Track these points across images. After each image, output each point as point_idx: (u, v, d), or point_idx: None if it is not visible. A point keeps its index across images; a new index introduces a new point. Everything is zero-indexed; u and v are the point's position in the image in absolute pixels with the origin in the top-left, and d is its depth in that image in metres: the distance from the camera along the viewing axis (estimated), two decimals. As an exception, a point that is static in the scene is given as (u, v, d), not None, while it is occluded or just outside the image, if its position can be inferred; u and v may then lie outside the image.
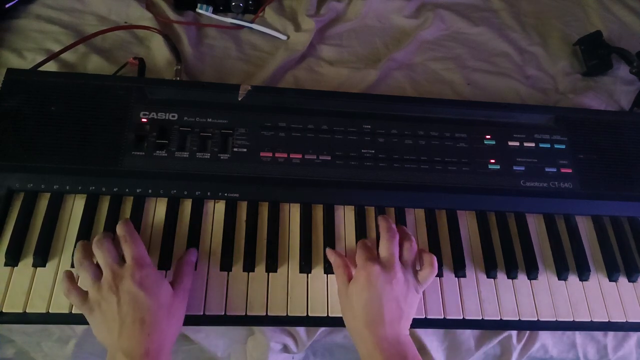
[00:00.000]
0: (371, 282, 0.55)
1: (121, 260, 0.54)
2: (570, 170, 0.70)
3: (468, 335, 0.68)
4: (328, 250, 0.61)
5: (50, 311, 0.55)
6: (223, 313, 0.58)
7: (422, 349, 0.67)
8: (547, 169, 0.70)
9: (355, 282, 0.56)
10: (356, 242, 0.63)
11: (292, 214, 0.65)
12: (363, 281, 0.55)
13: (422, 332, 0.66)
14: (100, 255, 0.53)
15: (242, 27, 0.88)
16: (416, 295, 0.57)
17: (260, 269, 0.61)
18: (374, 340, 0.53)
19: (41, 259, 0.57)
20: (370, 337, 0.53)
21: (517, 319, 0.62)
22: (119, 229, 0.56)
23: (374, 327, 0.53)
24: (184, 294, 0.55)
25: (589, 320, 0.63)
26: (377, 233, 0.65)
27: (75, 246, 0.58)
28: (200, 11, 0.87)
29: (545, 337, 0.68)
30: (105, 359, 0.50)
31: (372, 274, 0.55)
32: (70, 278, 0.54)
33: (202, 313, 0.58)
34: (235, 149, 0.65)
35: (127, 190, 0.62)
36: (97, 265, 0.53)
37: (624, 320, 0.64)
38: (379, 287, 0.54)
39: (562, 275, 0.65)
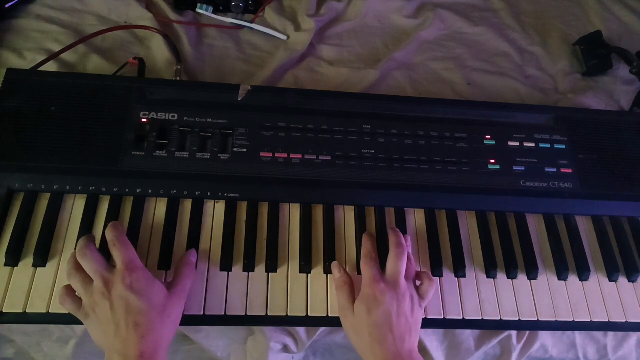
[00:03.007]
0: (378, 300, 0.55)
1: (110, 265, 0.54)
2: (570, 170, 0.70)
3: (468, 335, 0.68)
4: (334, 265, 0.61)
5: (50, 311, 0.55)
6: (223, 313, 0.58)
7: (422, 349, 0.67)
8: (547, 169, 0.70)
9: (363, 301, 0.56)
10: (356, 242, 0.63)
11: (292, 214, 0.65)
12: (371, 299, 0.55)
13: (422, 332, 0.66)
14: (86, 264, 0.53)
15: (242, 27, 0.88)
16: (420, 310, 0.58)
17: (260, 269, 0.61)
18: (387, 357, 0.53)
19: (41, 259, 0.57)
20: (383, 354, 0.53)
21: (517, 319, 0.62)
22: (108, 234, 0.56)
23: (386, 343, 0.53)
24: (180, 295, 0.55)
25: (589, 320, 0.63)
26: (376, 232, 0.65)
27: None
28: (200, 11, 0.87)
29: (545, 337, 0.68)
30: (104, 359, 0.51)
31: (379, 291, 0.55)
32: (68, 287, 0.54)
33: (202, 313, 0.57)
34: (235, 149, 0.65)
35: (127, 190, 0.62)
36: (87, 273, 0.53)
37: (624, 320, 0.64)
38: (387, 303, 0.55)
39: (562, 275, 0.65)
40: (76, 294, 0.54)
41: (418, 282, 0.60)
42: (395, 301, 0.55)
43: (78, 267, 0.54)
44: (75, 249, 0.58)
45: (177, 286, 0.55)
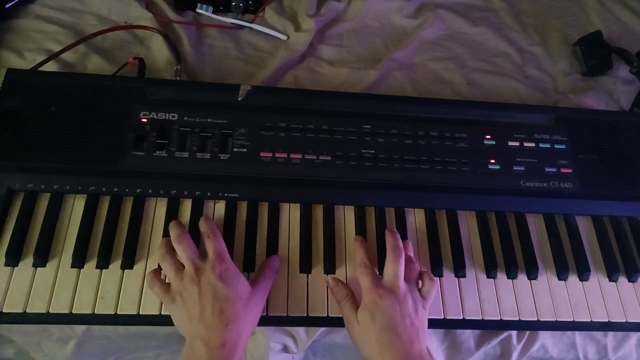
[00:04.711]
0: (379, 305, 0.55)
1: (201, 255, 0.56)
2: (570, 170, 0.70)
3: (468, 335, 0.68)
4: (330, 279, 0.60)
5: (50, 311, 0.55)
6: (223, 313, 0.58)
7: (422, 349, 0.67)
8: (547, 169, 0.70)
9: (365, 308, 0.55)
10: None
11: (292, 214, 0.65)
12: (372, 305, 0.55)
13: (422, 332, 0.66)
14: (182, 250, 0.56)
15: (242, 27, 0.88)
16: (424, 311, 0.58)
17: (260, 269, 0.61)
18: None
19: (41, 259, 0.57)
20: (393, 358, 0.52)
21: (517, 319, 0.62)
22: (203, 226, 0.59)
23: (395, 348, 0.53)
24: (262, 294, 0.57)
25: (589, 320, 0.63)
26: (376, 232, 0.65)
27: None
28: (200, 11, 0.87)
29: (545, 337, 0.68)
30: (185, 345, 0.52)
31: (378, 296, 0.55)
32: (155, 271, 0.56)
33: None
34: (235, 149, 0.65)
35: (127, 190, 0.62)
36: (178, 260, 0.56)
37: (624, 320, 0.64)
38: (389, 307, 0.54)
39: (562, 275, 0.65)
40: (162, 277, 0.56)
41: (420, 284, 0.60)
42: (397, 304, 0.55)
43: (171, 252, 0.56)
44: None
45: (259, 285, 0.57)
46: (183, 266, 0.55)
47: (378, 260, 0.63)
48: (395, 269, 0.58)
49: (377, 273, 0.60)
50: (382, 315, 0.54)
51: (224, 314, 0.51)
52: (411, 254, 0.62)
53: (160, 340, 0.65)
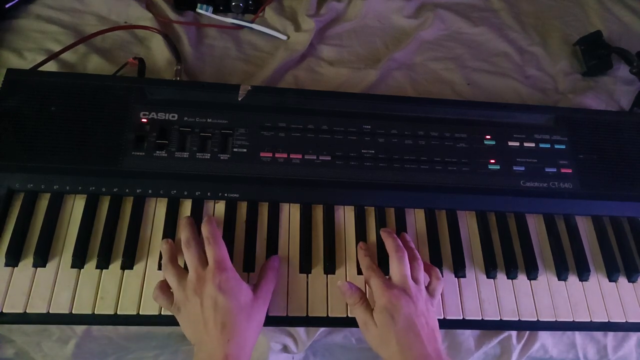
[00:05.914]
0: (395, 306, 0.54)
1: (205, 262, 0.56)
2: (570, 170, 0.70)
3: (468, 335, 0.68)
4: (341, 284, 0.59)
5: (50, 311, 0.55)
6: (223, 313, 0.58)
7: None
8: (547, 169, 0.70)
9: (381, 311, 0.55)
10: (356, 243, 0.63)
11: (292, 214, 0.65)
12: (388, 306, 0.55)
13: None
14: (189, 257, 0.56)
15: (242, 27, 0.88)
16: (433, 309, 0.58)
17: (260, 269, 0.61)
18: None
19: (41, 259, 0.57)
20: (416, 358, 0.52)
21: (517, 319, 0.62)
22: (204, 230, 0.58)
23: (415, 348, 0.53)
24: (264, 298, 0.56)
25: (589, 320, 0.63)
26: (376, 232, 0.65)
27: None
28: (200, 11, 0.87)
29: (545, 337, 0.68)
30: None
31: (393, 297, 0.55)
32: (161, 285, 0.56)
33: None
34: (235, 149, 0.65)
35: (127, 190, 0.62)
36: (181, 267, 0.56)
37: (624, 320, 0.64)
38: (404, 307, 0.54)
39: (562, 275, 0.65)
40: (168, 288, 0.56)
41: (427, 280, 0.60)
42: (412, 304, 0.55)
43: (173, 260, 0.56)
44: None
45: (262, 289, 0.56)
46: (185, 273, 0.55)
47: (378, 260, 0.63)
48: (401, 270, 0.58)
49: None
50: (399, 317, 0.54)
51: (226, 328, 0.51)
52: (412, 245, 0.62)
53: (160, 340, 0.66)
